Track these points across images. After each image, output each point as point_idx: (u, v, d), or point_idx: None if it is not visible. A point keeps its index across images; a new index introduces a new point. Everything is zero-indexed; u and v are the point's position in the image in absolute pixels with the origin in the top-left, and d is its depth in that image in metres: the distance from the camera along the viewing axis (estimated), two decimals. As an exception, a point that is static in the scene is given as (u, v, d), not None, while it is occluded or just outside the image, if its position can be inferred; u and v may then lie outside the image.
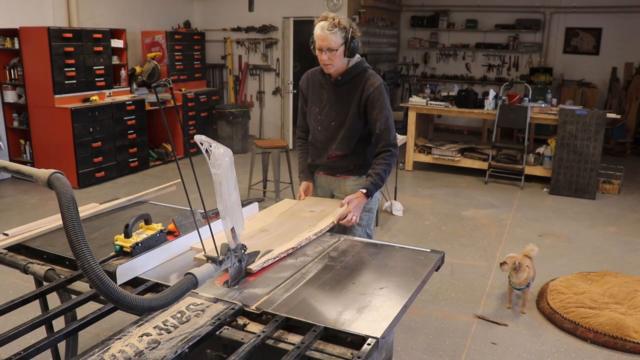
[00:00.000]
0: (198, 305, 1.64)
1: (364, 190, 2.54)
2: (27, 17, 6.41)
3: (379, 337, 1.47)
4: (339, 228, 2.70)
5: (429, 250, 2.14)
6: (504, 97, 6.87)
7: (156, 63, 7.33)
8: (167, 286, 1.61)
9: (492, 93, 6.91)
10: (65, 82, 6.22)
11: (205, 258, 1.73)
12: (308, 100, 2.76)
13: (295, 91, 8.27)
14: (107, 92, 6.75)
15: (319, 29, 2.45)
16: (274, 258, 1.95)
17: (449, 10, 10.23)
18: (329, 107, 2.65)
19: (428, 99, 7.23)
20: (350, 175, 2.74)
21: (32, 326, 1.57)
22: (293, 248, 2.06)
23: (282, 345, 1.50)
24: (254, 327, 1.58)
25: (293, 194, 5.54)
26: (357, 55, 2.60)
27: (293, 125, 8.51)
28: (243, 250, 1.81)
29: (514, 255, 3.53)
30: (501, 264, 3.52)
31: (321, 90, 2.68)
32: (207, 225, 1.72)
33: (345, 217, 2.44)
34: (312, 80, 2.74)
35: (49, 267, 1.96)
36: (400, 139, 5.56)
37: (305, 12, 8.25)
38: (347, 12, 8.32)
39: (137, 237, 2.01)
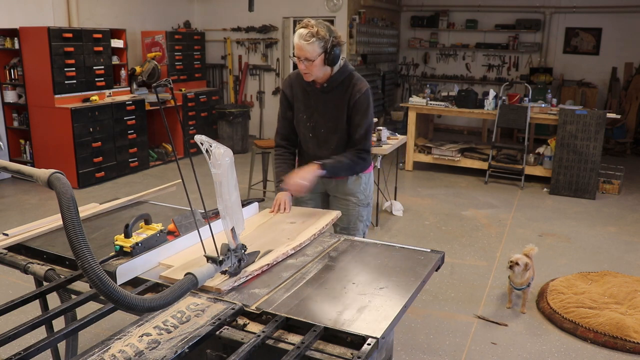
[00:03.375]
0: (198, 305, 1.64)
1: (320, 162, 2.50)
2: (27, 17, 6.41)
3: (379, 337, 1.47)
4: (340, 226, 2.74)
5: (429, 250, 2.13)
6: (504, 97, 6.87)
7: (156, 63, 7.33)
8: (167, 286, 1.61)
9: (492, 93, 6.91)
10: (65, 82, 6.22)
11: (174, 278, 1.73)
12: (294, 105, 2.69)
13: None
14: (107, 92, 6.75)
15: (296, 38, 2.40)
16: (247, 276, 1.83)
17: (449, 10, 10.23)
18: (318, 114, 2.61)
19: (428, 99, 7.23)
20: (348, 176, 2.72)
21: (32, 326, 1.57)
22: (268, 265, 1.91)
23: (282, 345, 1.50)
24: (254, 327, 1.58)
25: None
26: (341, 57, 2.53)
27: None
28: (243, 250, 1.81)
29: (521, 255, 3.52)
30: (511, 266, 3.49)
31: (306, 96, 2.62)
32: (207, 225, 1.72)
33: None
34: (295, 85, 2.66)
35: (49, 267, 1.95)
36: (400, 139, 5.57)
37: (305, 12, 8.26)
38: (347, 12, 8.33)
39: (137, 237, 2.01)
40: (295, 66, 2.58)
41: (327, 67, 2.48)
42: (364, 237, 2.76)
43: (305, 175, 2.46)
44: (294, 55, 2.47)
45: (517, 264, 3.46)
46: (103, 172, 6.52)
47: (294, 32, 2.45)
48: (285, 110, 2.73)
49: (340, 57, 2.51)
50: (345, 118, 2.57)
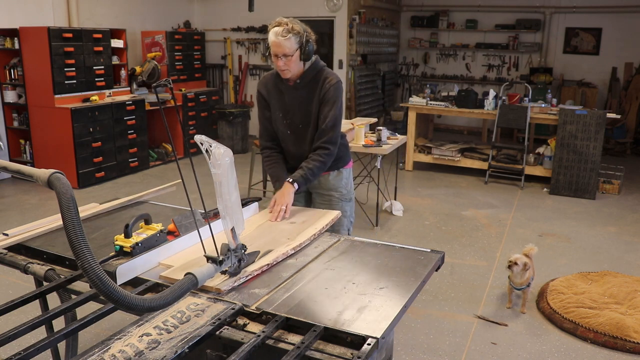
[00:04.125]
0: (198, 305, 1.64)
1: (291, 180, 2.53)
2: (27, 17, 6.41)
3: (379, 337, 1.47)
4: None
5: (429, 250, 2.13)
6: (504, 97, 6.87)
7: (156, 63, 7.33)
8: (167, 286, 1.61)
9: (492, 93, 6.91)
10: (65, 82, 6.22)
11: (174, 278, 1.73)
12: (270, 105, 2.73)
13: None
14: (107, 92, 6.75)
15: (272, 36, 2.46)
16: (247, 276, 1.82)
17: (449, 10, 10.23)
18: (292, 111, 2.66)
19: (428, 99, 7.23)
20: (329, 171, 2.78)
21: (32, 326, 1.57)
22: (268, 265, 1.91)
23: (282, 345, 1.50)
24: (254, 327, 1.58)
25: (293, 194, 5.53)
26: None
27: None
28: (243, 250, 1.81)
29: (520, 255, 3.52)
30: (510, 266, 3.49)
31: (280, 95, 2.67)
32: (207, 225, 1.72)
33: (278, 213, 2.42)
34: (269, 84, 2.71)
35: (49, 267, 1.95)
36: (400, 139, 5.57)
37: (305, 12, 8.26)
38: (347, 12, 8.32)
39: (137, 237, 2.01)
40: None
41: (301, 62, 2.54)
42: (348, 234, 2.83)
43: (284, 200, 2.46)
44: (269, 54, 2.54)
45: (515, 263, 3.46)
46: (103, 172, 6.52)
47: (268, 30, 2.52)
48: (263, 110, 2.77)
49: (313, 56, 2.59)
50: (317, 111, 2.63)
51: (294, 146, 2.74)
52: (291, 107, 2.66)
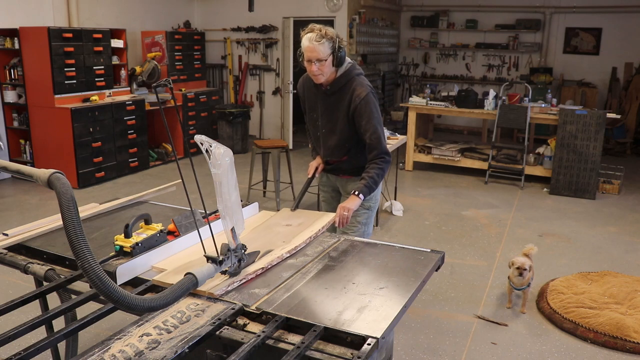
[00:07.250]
0: (198, 305, 1.64)
1: (357, 192, 2.60)
2: (27, 17, 6.41)
3: (379, 337, 1.47)
4: (334, 227, 2.79)
5: (429, 250, 2.14)
6: (504, 97, 6.86)
7: (156, 63, 7.33)
8: (167, 286, 1.61)
9: (492, 93, 6.91)
10: (65, 82, 6.22)
11: (167, 282, 1.73)
12: (306, 104, 2.87)
13: (295, 91, 8.27)
14: (107, 92, 6.75)
15: (306, 41, 2.51)
16: (240, 280, 1.80)
17: (449, 10, 10.23)
18: (321, 115, 2.76)
19: (428, 99, 7.23)
20: (351, 176, 2.85)
21: (32, 326, 1.57)
22: (262, 268, 1.90)
23: (282, 345, 1.50)
24: (254, 327, 1.58)
25: (293, 194, 5.54)
26: (348, 60, 2.65)
27: (293, 125, 8.51)
28: (243, 250, 1.81)
29: (525, 259, 3.49)
30: (520, 273, 3.44)
31: (314, 97, 2.77)
32: (207, 225, 1.72)
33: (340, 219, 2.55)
34: (306, 86, 2.82)
35: (49, 267, 1.96)
36: (400, 139, 5.57)
37: (305, 12, 8.26)
38: (347, 12, 8.33)
39: (137, 237, 2.01)
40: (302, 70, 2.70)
41: (333, 68, 2.59)
42: None
43: (348, 207, 2.56)
44: (302, 60, 2.59)
45: (525, 269, 3.43)
46: (103, 172, 6.52)
47: (300, 37, 2.57)
48: (303, 106, 2.95)
49: (347, 61, 2.64)
50: (345, 121, 2.66)
51: (320, 146, 2.86)
52: (321, 111, 2.75)
